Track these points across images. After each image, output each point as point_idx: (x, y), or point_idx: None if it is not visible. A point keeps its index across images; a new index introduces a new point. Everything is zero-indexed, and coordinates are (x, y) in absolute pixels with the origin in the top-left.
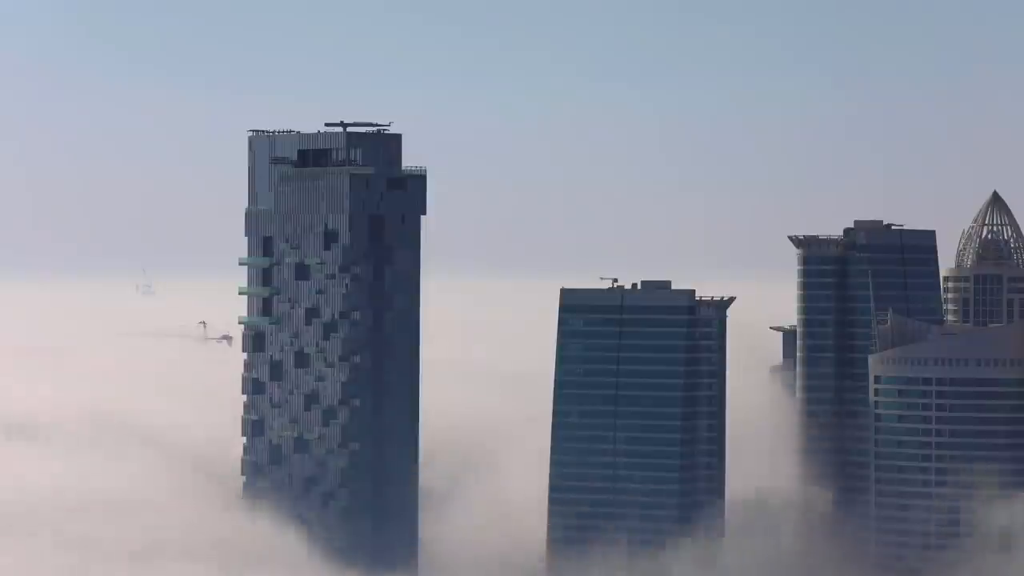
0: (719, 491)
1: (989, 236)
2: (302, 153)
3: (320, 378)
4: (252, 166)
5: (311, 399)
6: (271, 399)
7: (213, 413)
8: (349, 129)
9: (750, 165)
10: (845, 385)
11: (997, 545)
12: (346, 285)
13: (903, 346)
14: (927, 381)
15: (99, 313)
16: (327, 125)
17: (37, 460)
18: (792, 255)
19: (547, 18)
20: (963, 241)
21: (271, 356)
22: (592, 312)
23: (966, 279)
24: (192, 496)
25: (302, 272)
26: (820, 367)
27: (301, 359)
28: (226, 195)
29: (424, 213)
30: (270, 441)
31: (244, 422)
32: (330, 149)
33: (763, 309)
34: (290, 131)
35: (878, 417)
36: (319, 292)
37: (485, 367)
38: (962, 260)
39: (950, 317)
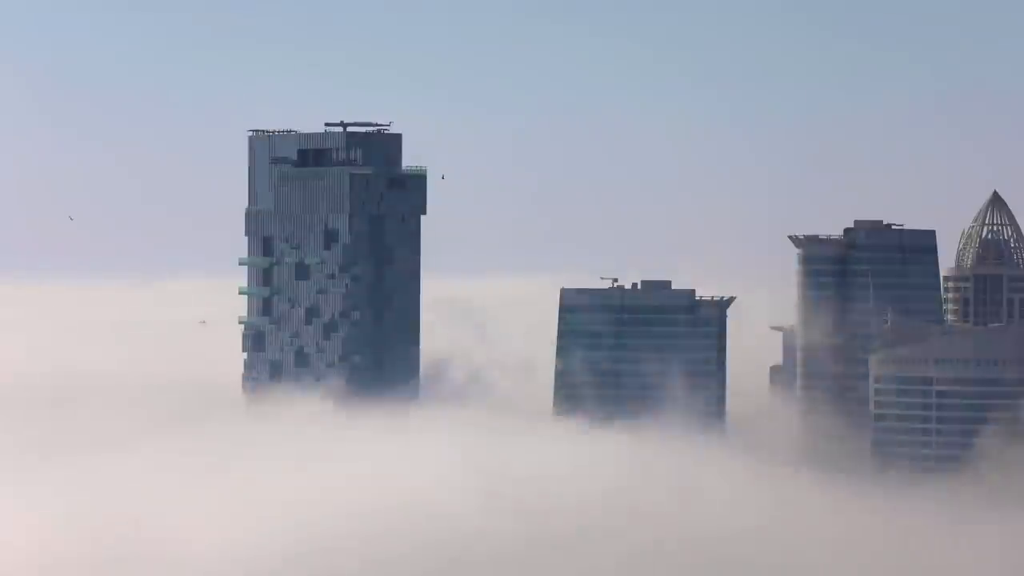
0: None
1: (989, 236)
2: (302, 153)
3: (320, 378)
4: (252, 166)
5: None
6: None
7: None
8: (349, 129)
9: (750, 165)
10: (845, 385)
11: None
12: (346, 285)
13: (903, 346)
14: (927, 381)
15: (92, 312)
16: (327, 125)
17: None
18: (792, 255)
19: (547, 18)
20: (963, 241)
21: (271, 356)
22: (592, 312)
23: (966, 279)
24: None
25: (302, 272)
26: (820, 367)
27: (301, 359)
28: (226, 195)
29: (424, 213)
30: None
31: None
32: (330, 149)
33: (763, 309)
34: (290, 131)
35: (878, 417)
36: (319, 292)
37: (485, 367)
38: (962, 260)
39: (950, 317)
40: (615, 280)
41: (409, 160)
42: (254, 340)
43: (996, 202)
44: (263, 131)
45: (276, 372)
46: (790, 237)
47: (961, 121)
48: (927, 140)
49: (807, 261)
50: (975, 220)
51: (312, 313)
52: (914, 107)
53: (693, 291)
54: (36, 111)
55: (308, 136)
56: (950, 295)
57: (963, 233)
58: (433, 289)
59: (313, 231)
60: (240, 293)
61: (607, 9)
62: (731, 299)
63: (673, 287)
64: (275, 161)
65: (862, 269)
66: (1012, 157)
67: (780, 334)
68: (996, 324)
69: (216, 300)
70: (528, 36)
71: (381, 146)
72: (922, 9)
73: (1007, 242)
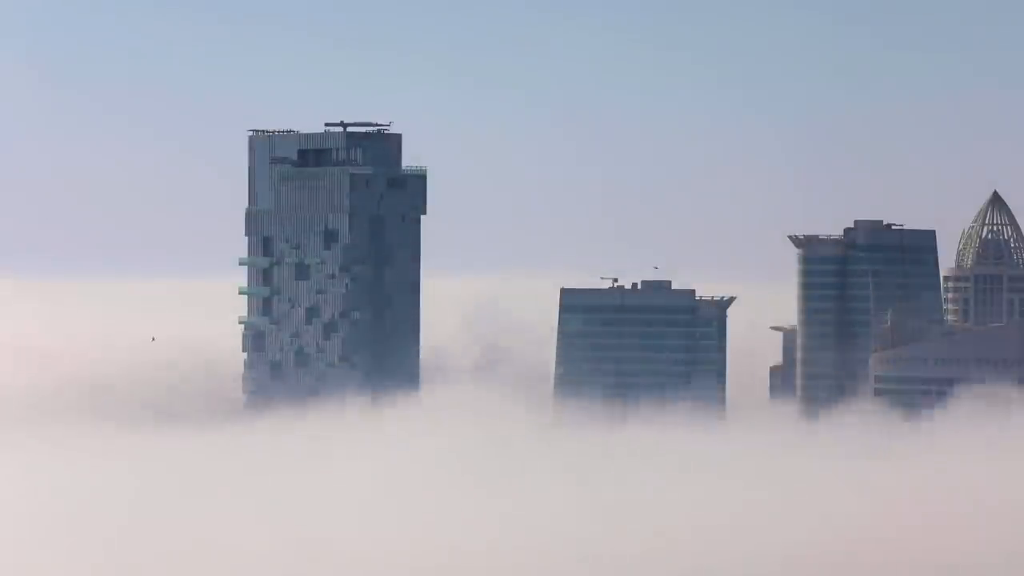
0: None
1: (989, 236)
2: (302, 153)
3: (320, 378)
4: (252, 166)
5: None
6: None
7: None
8: (349, 129)
9: (750, 165)
10: (845, 385)
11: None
12: (346, 285)
13: (903, 346)
14: (927, 381)
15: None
16: (327, 125)
17: None
18: (792, 255)
19: (547, 18)
20: (963, 241)
21: (271, 356)
22: (592, 312)
23: (966, 279)
24: None
25: (302, 272)
26: (820, 367)
27: (301, 359)
28: (226, 195)
29: (424, 213)
30: None
31: None
32: (330, 149)
33: (763, 309)
34: (290, 131)
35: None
36: (319, 292)
37: (485, 367)
38: (962, 260)
39: (950, 317)
40: (615, 280)
41: (409, 160)
42: (254, 340)
43: (996, 202)
44: (263, 131)
45: (276, 372)
46: (790, 237)
47: (961, 121)
48: (927, 140)
49: (807, 261)
50: (975, 220)
51: (312, 313)
52: (914, 107)
53: (693, 291)
54: (36, 110)
55: (308, 136)
56: (950, 295)
57: (963, 233)
58: (433, 289)
59: (313, 231)
60: (240, 293)
61: (607, 9)
62: (731, 299)
63: (673, 287)
64: (275, 161)
65: (862, 269)
66: (1012, 157)
67: (780, 334)
68: (996, 324)
69: (216, 300)
70: (528, 36)
71: (381, 146)
72: (923, 9)
73: (1007, 242)
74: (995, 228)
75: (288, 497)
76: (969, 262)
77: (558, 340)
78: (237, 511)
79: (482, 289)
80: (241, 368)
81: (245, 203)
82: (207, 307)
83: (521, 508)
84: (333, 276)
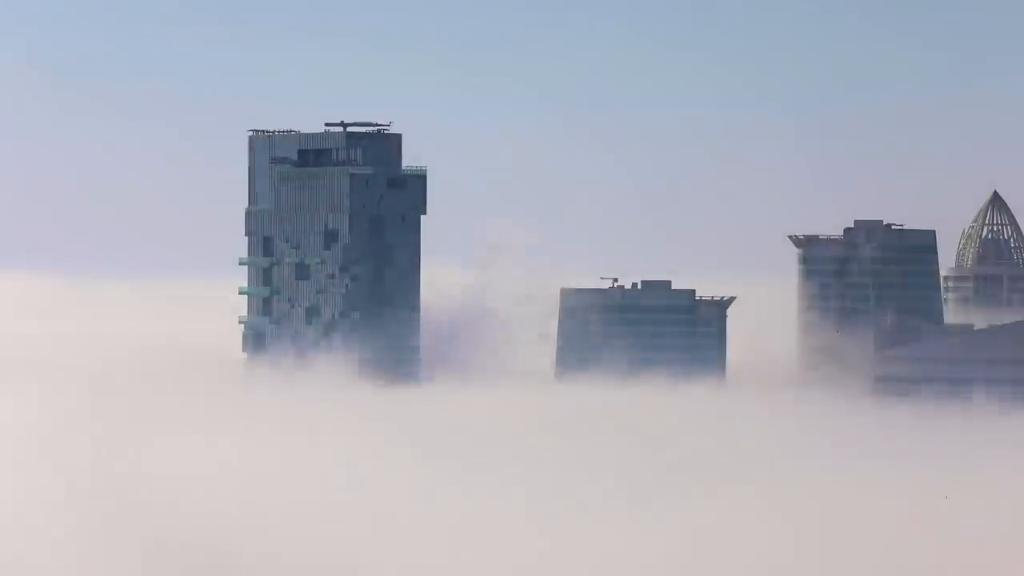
0: None
1: (989, 236)
2: (302, 153)
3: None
4: (252, 166)
5: None
6: None
7: None
8: (349, 129)
9: (750, 165)
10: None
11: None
12: (346, 285)
13: (903, 346)
14: (927, 381)
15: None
16: (327, 125)
17: None
18: (792, 255)
19: (547, 18)
20: (963, 241)
21: (271, 356)
22: (592, 312)
23: (966, 279)
24: None
25: (302, 272)
26: (819, 367)
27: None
28: (226, 195)
29: (424, 213)
30: None
31: None
32: (330, 149)
33: (763, 309)
34: (290, 131)
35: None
36: (319, 292)
37: (484, 367)
38: (962, 260)
39: (950, 317)
40: (615, 280)
41: (409, 160)
42: (254, 340)
43: (996, 202)
44: (263, 131)
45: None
46: (790, 237)
47: (961, 121)
48: (927, 140)
49: (807, 261)
50: (975, 220)
51: (312, 313)
52: (914, 107)
53: (693, 291)
54: (36, 110)
55: (308, 136)
56: (950, 295)
57: (963, 233)
58: (433, 289)
59: (313, 231)
60: (240, 293)
61: (607, 10)
62: (731, 299)
63: (673, 287)
64: (275, 161)
65: (862, 269)
66: (1012, 157)
67: (780, 333)
68: (996, 324)
69: (216, 300)
70: (528, 36)
71: (381, 146)
72: (923, 9)
73: (1007, 242)
74: (995, 228)
75: (290, 495)
76: (969, 262)
77: (558, 340)
78: (239, 512)
79: (481, 289)
80: (241, 368)
81: (245, 203)
82: (207, 307)
83: (515, 508)
84: (333, 276)
